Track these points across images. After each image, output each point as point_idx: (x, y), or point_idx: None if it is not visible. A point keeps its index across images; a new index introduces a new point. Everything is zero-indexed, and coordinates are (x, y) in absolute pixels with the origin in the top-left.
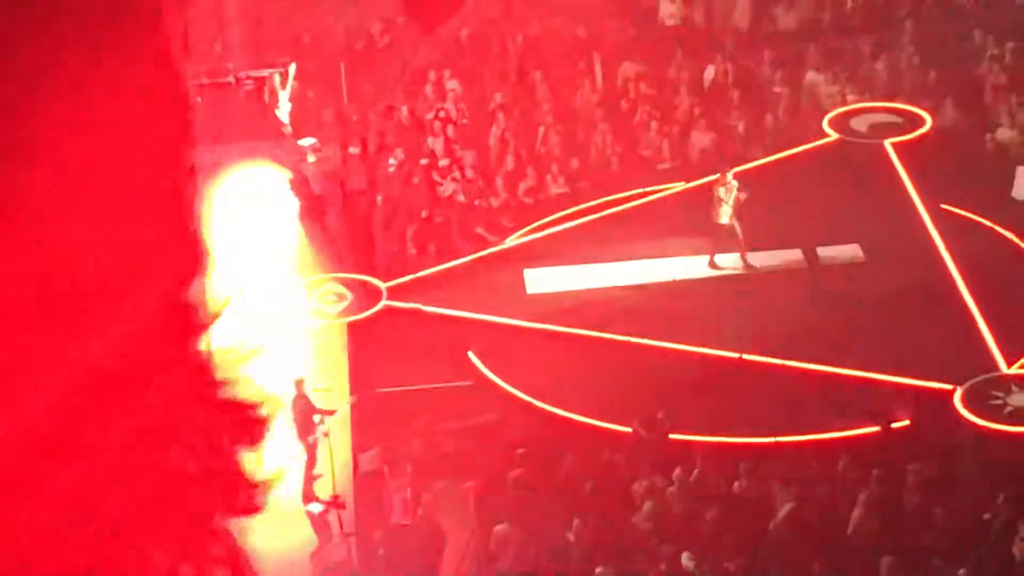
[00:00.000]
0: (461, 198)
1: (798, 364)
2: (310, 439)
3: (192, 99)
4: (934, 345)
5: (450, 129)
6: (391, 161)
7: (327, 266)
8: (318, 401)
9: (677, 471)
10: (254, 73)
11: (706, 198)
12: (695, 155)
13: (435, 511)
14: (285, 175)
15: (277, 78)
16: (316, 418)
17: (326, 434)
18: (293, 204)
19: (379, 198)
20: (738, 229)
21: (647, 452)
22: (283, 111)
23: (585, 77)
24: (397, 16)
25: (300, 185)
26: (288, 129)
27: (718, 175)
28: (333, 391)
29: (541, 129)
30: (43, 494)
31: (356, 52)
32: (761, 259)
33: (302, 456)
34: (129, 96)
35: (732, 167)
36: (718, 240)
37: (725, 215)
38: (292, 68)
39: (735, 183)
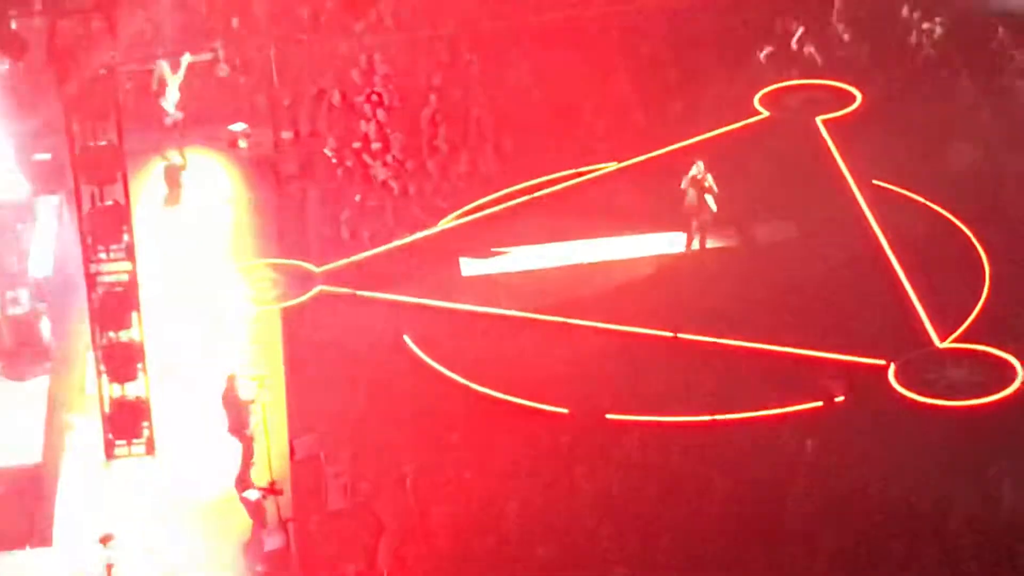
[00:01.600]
0: (394, 182)
1: (733, 342)
2: (244, 430)
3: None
4: (868, 321)
5: (381, 113)
6: (327, 151)
7: (261, 251)
8: (245, 391)
9: (613, 451)
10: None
11: (673, 188)
12: (630, 133)
13: (372, 496)
14: (216, 161)
15: (166, 67)
16: (246, 408)
17: (259, 424)
18: (225, 190)
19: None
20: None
21: (584, 433)
22: (169, 100)
23: (519, 58)
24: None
25: (232, 171)
26: (178, 116)
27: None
28: (268, 377)
29: (473, 110)
30: None
31: (286, 37)
32: (694, 237)
33: (237, 445)
34: None
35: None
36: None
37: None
38: (185, 58)
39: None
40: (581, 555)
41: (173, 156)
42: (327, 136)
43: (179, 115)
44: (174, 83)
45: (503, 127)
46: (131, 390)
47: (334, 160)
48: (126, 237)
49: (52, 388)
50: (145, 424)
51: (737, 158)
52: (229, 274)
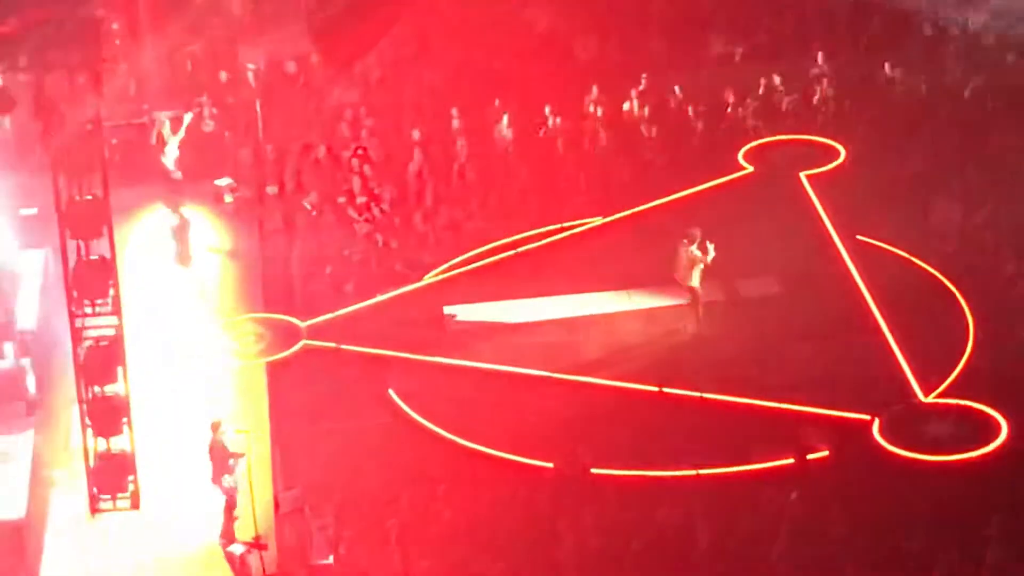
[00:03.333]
0: (379, 236)
1: (718, 397)
2: (227, 483)
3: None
4: (852, 375)
5: (367, 168)
6: (305, 204)
7: (245, 306)
8: (231, 444)
9: (597, 505)
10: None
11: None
12: (614, 188)
13: (357, 549)
14: (202, 215)
15: (167, 123)
16: (231, 461)
17: (244, 477)
18: (210, 244)
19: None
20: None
21: (569, 486)
22: (169, 157)
23: (502, 112)
24: (311, 55)
25: (217, 225)
26: (177, 175)
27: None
28: (253, 432)
29: (456, 165)
30: None
31: (272, 91)
32: (680, 292)
33: (221, 498)
34: None
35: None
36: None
37: (695, 278)
38: (187, 117)
39: (709, 246)
40: None
41: (174, 214)
42: (312, 190)
43: (179, 174)
44: (174, 142)
45: (488, 181)
46: (116, 444)
47: (313, 213)
48: (112, 291)
49: (37, 442)
50: (130, 478)
51: (721, 213)
52: (215, 328)
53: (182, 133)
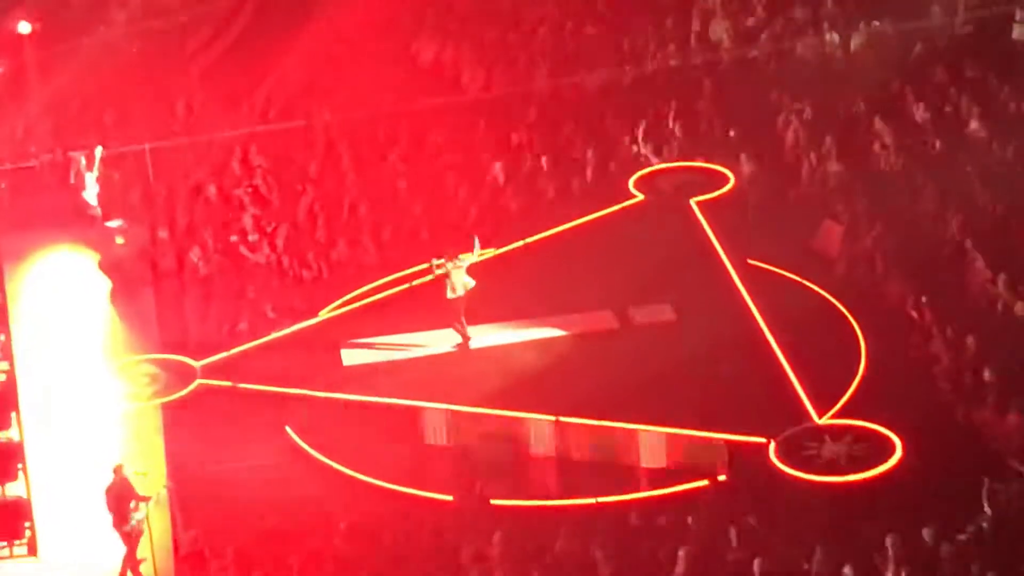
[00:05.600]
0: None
1: (615, 424)
2: (126, 527)
3: None
4: (747, 399)
5: (258, 205)
6: (192, 257)
7: (139, 347)
8: (137, 486)
9: (498, 536)
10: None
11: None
12: (505, 219)
13: None
14: (94, 257)
15: (83, 161)
16: (132, 504)
17: (144, 520)
18: (103, 287)
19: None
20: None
21: (469, 519)
22: (90, 193)
23: (391, 146)
24: (199, 95)
25: (110, 267)
26: (97, 211)
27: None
28: (150, 474)
29: (349, 200)
30: None
31: (161, 132)
32: (574, 321)
33: (119, 543)
34: None
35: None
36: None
37: (458, 288)
38: (98, 151)
39: (461, 262)
40: None
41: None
42: (204, 230)
43: (99, 210)
44: (91, 177)
45: (379, 216)
46: (12, 490)
47: (200, 265)
48: (2, 336)
49: None
50: (27, 525)
51: (612, 241)
52: (108, 371)
53: (97, 169)
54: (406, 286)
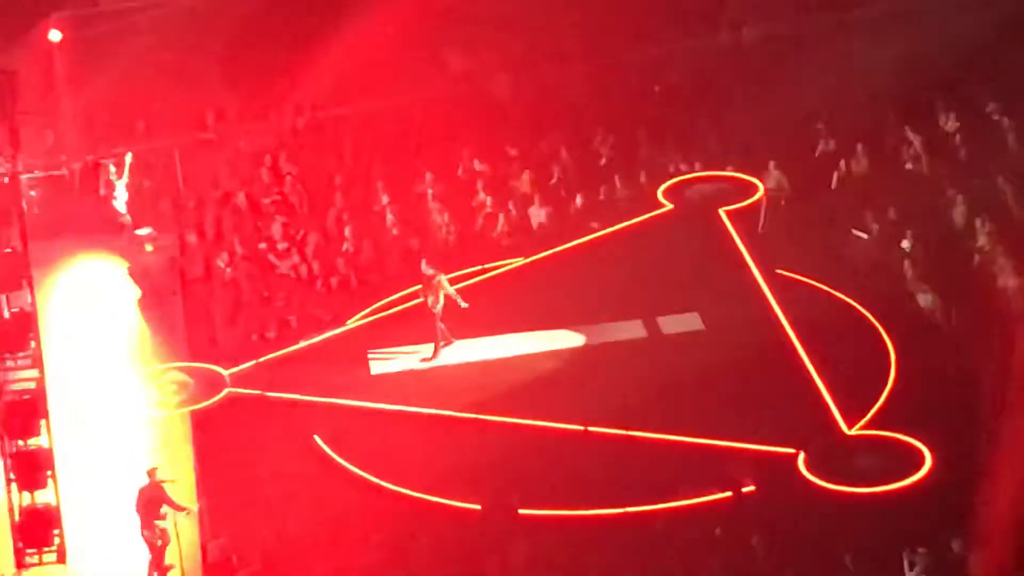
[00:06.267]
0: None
1: (643, 434)
2: (152, 531)
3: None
4: (776, 410)
5: (286, 213)
6: (219, 263)
7: (168, 355)
8: (171, 493)
9: (525, 546)
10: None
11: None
12: (534, 229)
13: None
14: (123, 265)
15: (112, 169)
16: (163, 509)
17: (165, 528)
18: (132, 294)
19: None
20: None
21: (497, 528)
22: (120, 201)
23: (418, 155)
24: (229, 104)
25: (139, 275)
26: (127, 219)
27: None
28: (179, 482)
29: (377, 208)
30: None
31: (191, 140)
32: (602, 331)
33: (147, 549)
34: None
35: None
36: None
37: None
38: (128, 158)
39: (442, 278)
40: None
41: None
42: (233, 238)
43: (128, 217)
44: (121, 185)
45: (408, 225)
46: (41, 498)
47: (227, 271)
48: (33, 344)
49: None
50: (56, 532)
51: (641, 251)
52: (138, 379)
53: (127, 176)
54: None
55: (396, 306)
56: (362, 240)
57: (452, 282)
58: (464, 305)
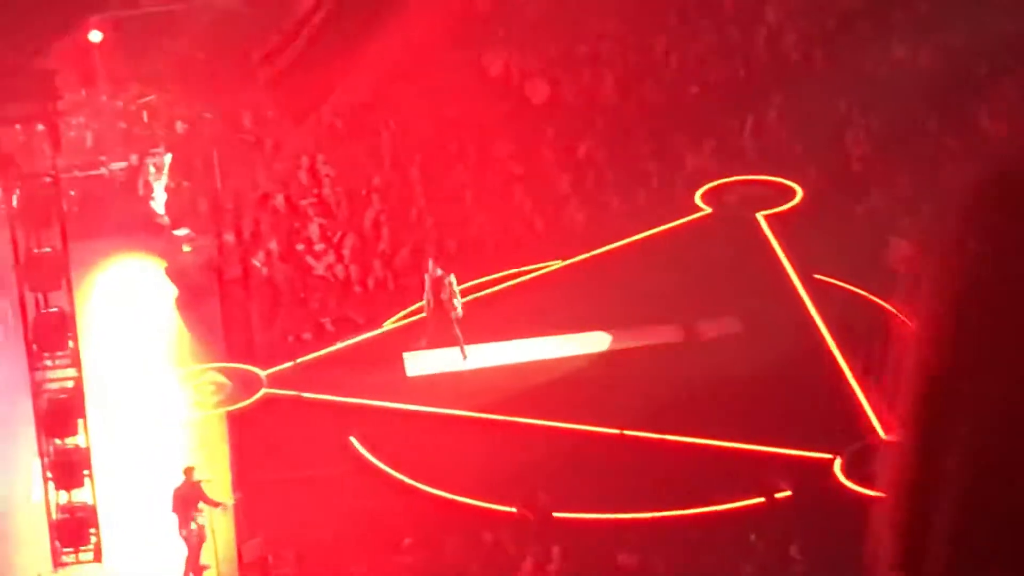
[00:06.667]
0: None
1: (679, 438)
2: (189, 530)
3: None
4: (813, 414)
5: (324, 215)
6: (255, 262)
7: (205, 356)
8: (208, 491)
9: (559, 549)
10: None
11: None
12: (570, 232)
13: None
14: (161, 266)
15: (152, 169)
16: (200, 505)
17: (201, 526)
18: (170, 295)
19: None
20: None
21: (531, 531)
22: (158, 202)
23: (457, 158)
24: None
25: (177, 276)
26: (165, 220)
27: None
28: (215, 481)
29: (415, 210)
30: None
31: (229, 141)
32: (640, 334)
33: (184, 550)
34: None
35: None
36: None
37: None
38: (167, 159)
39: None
40: None
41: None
42: (270, 239)
43: (166, 218)
44: (159, 186)
45: (445, 226)
46: (78, 497)
47: (264, 271)
48: (71, 344)
49: None
50: (92, 531)
51: (679, 254)
52: (175, 379)
53: (165, 176)
54: (470, 297)
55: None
56: (399, 242)
57: (487, 285)
58: (459, 314)
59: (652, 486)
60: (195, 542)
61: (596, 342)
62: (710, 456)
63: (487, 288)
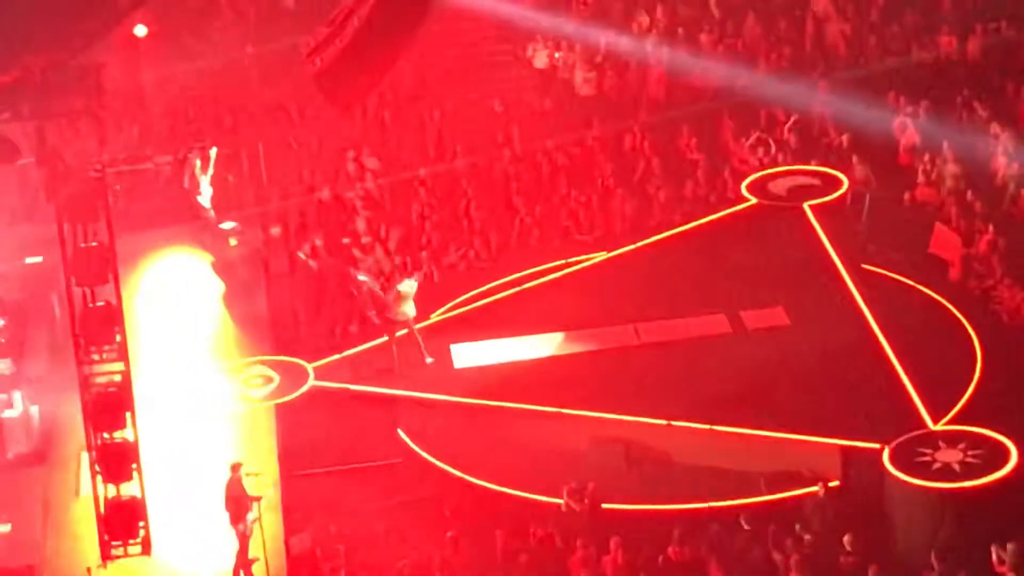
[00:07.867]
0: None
1: (726, 429)
2: (240, 525)
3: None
4: (861, 404)
5: (370, 207)
6: (301, 255)
7: (252, 348)
8: (248, 486)
9: (608, 541)
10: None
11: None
12: (616, 224)
13: None
14: (208, 259)
15: (198, 163)
16: (246, 503)
17: (256, 520)
18: (217, 288)
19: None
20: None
21: (579, 523)
22: (204, 196)
23: (503, 149)
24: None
25: (223, 269)
26: (211, 214)
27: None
28: (263, 475)
29: (462, 204)
30: None
31: (275, 133)
32: (686, 325)
33: (234, 541)
34: None
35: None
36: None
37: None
38: (213, 152)
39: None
40: None
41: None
42: (317, 232)
43: (213, 212)
44: (205, 180)
45: (490, 219)
46: (126, 490)
47: (311, 263)
48: (118, 338)
49: (46, 490)
50: (141, 524)
51: (725, 245)
52: (222, 372)
53: (211, 170)
54: (517, 289)
55: (479, 299)
56: (446, 235)
57: (533, 276)
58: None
59: (700, 477)
60: (245, 536)
61: (641, 334)
62: (757, 446)
63: (532, 280)
